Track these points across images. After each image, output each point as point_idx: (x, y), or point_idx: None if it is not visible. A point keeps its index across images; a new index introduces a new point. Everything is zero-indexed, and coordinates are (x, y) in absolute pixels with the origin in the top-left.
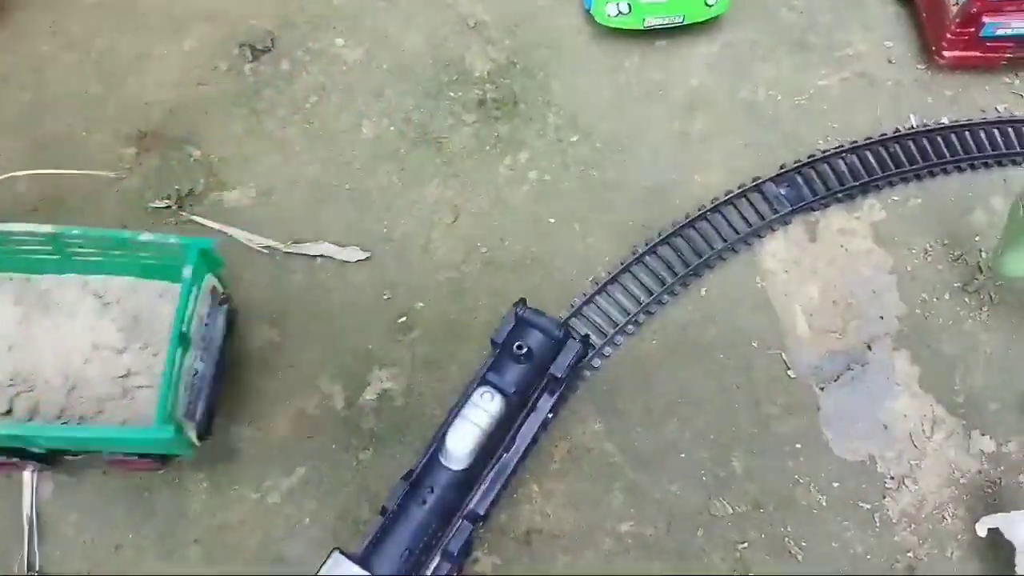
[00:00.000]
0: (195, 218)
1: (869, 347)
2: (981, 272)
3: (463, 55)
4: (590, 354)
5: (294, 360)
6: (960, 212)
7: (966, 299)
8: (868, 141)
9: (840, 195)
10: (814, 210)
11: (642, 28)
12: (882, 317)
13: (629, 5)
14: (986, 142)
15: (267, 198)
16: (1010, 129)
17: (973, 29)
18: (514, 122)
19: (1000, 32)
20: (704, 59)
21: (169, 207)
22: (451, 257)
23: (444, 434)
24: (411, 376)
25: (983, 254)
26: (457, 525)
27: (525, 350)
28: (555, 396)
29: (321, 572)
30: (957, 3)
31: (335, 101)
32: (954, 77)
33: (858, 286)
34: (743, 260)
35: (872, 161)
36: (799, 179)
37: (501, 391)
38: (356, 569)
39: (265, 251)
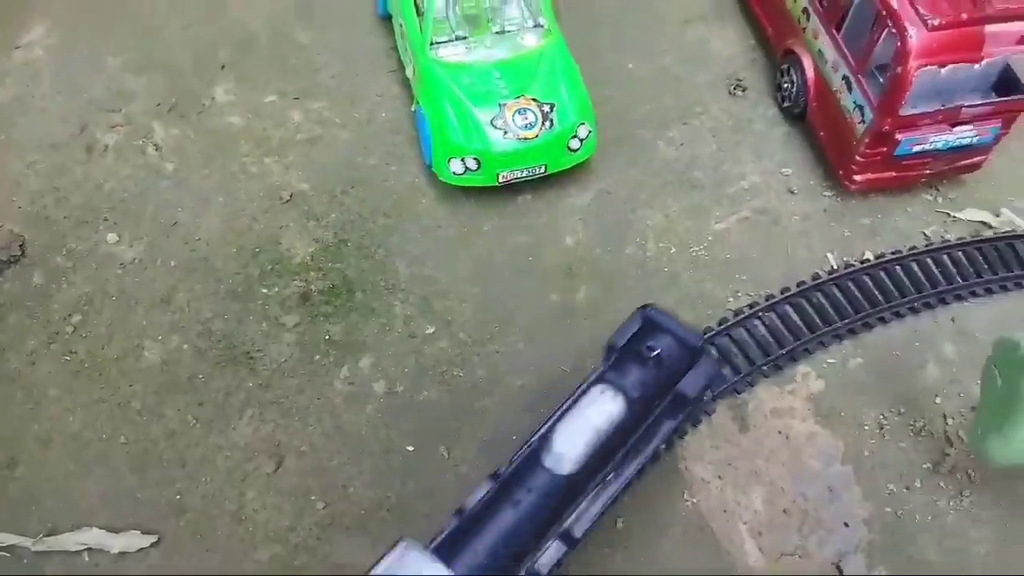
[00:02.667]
0: None
1: (839, 569)
2: (951, 444)
3: (278, 238)
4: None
5: None
6: (910, 369)
7: (941, 483)
8: (786, 294)
9: (765, 366)
10: (738, 391)
11: (497, 184)
12: (847, 524)
13: (477, 160)
14: (922, 276)
15: (9, 472)
16: (945, 257)
17: (886, 149)
18: (350, 318)
19: (917, 149)
20: (578, 213)
21: None
22: (276, 523)
23: (551, 429)
24: None
25: (949, 421)
26: (549, 544)
27: (656, 352)
28: (678, 421)
29: (385, 566)
30: (863, 122)
31: (106, 319)
32: (869, 202)
33: (810, 485)
34: (663, 472)
35: (795, 318)
36: (714, 352)
37: (624, 392)
38: (438, 567)
39: (6, 554)
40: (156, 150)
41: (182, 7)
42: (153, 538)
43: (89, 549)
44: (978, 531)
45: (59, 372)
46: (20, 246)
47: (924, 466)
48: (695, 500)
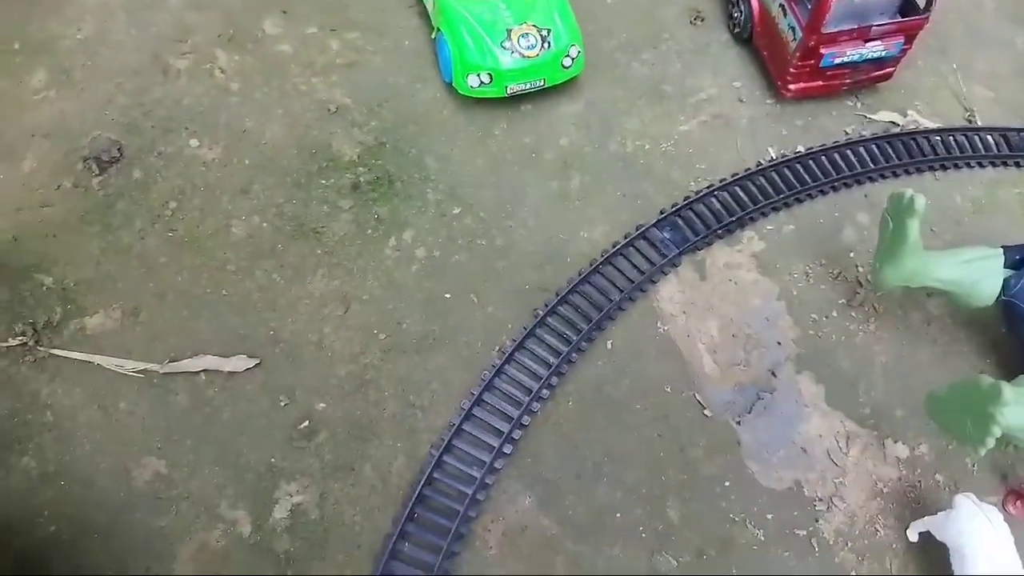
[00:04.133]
0: (55, 351)
1: (774, 374)
2: (861, 286)
3: (329, 141)
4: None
5: (188, 491)
6: (831, 232)
7: (853, 314)
8: (735, 177)
9: (720, 231)
10: (699, 249)
11: (505, 95)
12: (780, 343)
13: (490, 75)
14: (842, 163)
15: (135, 318)
16: (861, 148)
17: (813, 61)
18: (393, 202)
19: (838, 61)
20: (570, 119)
21: (25, 343)
22: (348, 350)
23: None
24: (323, 484)
25: (859, 269)
26: None
27: None
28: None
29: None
30: (795, 40)
31: (197, 204)
32: (802, 107)
33: (752, 316)
34: (642, 308)
35: (743, 195)
36: (680, 222)
37: None
38: None
39: (140, 375)
40: (222, 72)
41: None
42: (256, 360)
43: (206, 371)
44: (880, 347)
45: (165, 244)
46: (119, 149)
47: (840, 302)
48: (666, 328)
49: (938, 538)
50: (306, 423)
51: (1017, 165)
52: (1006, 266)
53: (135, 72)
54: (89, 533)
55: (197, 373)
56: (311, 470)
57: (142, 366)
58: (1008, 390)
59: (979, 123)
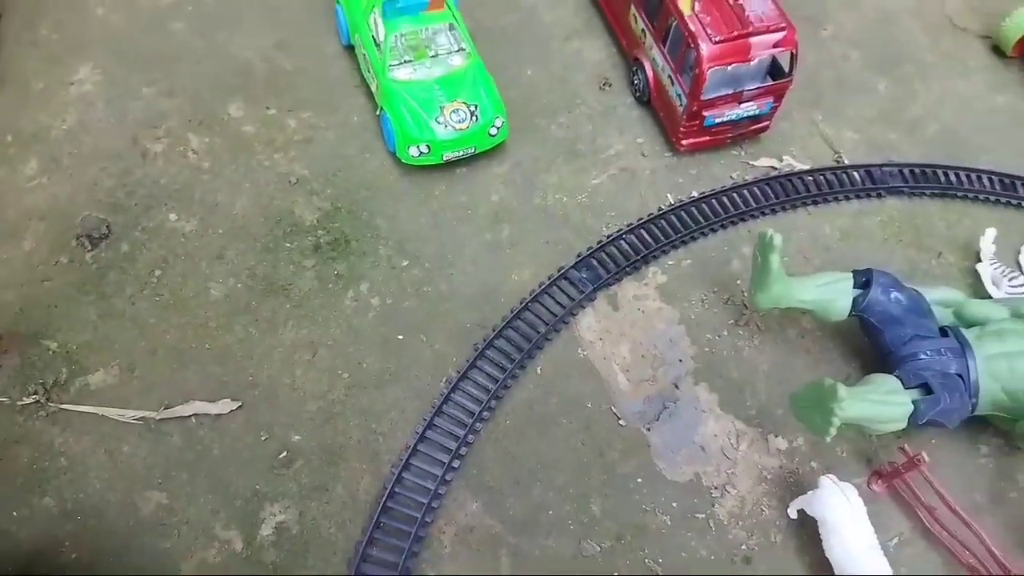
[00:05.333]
0: (64, 406)
1: (676, 386)
2: (747, 308)
3: (292, 209)
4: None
5: (187, 516)
6: (721, 264)
7: (740, 332)
8: (640, 221)
9: (628, 268)
10: (611, 285)
11: (442, 162)
12: (681, 360)
13: (428, 146)
14: (730, 204)
15: (131, 373)
16: (745, 191)
17: (698, 122)
18: (350, 259)
19: (719, 120)
20: (499, 178)
21: (38, 401)
22: (317, 388)
23: None
24: (301, 504)
25: (745, 294)
26: None
27: None
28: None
29: None
30: (682, 105)
31: (179, 271)
32: (695, 159)
33: (657, 339)
34: (565, 337)
35: (647, 236)
36: (594, 262)
37: None
38: None
39: (139, 422)
40: (194, 153)
41: (192, 48)
42: (239, 403)
43: (195, 414)
44: (763, 358)
45: (153, 307)
46: (107, 226)
47: (729, 322)
48: (586, 353)
49: (809, 513)
50: (284, 453)
51: (879, 196)
52: (855, 287)
53: (117, 156)
54: (106, 558)
55: (188, 417)
56: (290, 492)
57: (140, 414)
58: (843, 389)
59: (846, 162)
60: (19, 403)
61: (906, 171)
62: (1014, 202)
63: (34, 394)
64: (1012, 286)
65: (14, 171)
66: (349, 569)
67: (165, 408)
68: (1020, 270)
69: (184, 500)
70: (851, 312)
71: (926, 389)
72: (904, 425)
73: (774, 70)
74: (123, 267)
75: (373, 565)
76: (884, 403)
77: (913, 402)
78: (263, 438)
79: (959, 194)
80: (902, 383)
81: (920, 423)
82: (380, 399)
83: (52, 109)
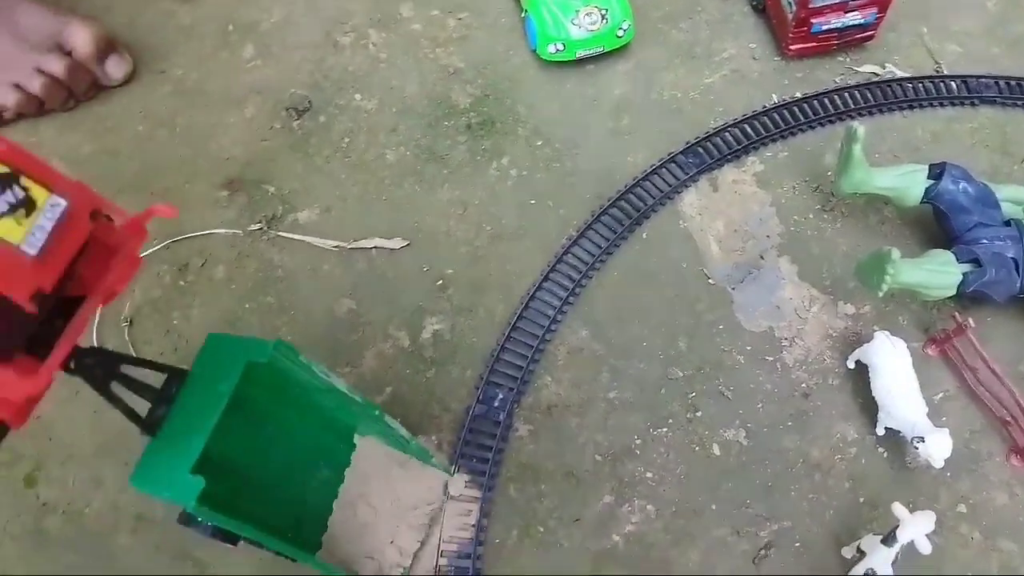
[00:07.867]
0: (281, 234)
1: (762, 257)
2: (833, 197)
3: (449, 94)
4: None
5: (369, 319)
6: (816, 158)
7: (825, 215)
8: (745, 116)
9: (730, 157)
10: (713, 170)
11: (575, 59)
12: (768, 236)
13: (564, 44)
14: (830, 105)
15: (328, 214)
16: (846, 94)
17: (806, 28)
18: (494, 138)
19: (825, 27)
20: (622, 75)
21: (261, 228)
22: (466, 236)
23: None
24: (453, 319)
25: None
26: None
27: None
28: None
29: None
30: (791, 12)
31: (363, 139)
32: (802, 63)
33: (750, 218)
34: (669, 211)
35: (749, 130)
36: (700, 150)
37: None
38: None
39: (335, 249)
40: (374, 46)
41: None
42: (408, 241)
43: (376, 247)
44: (842, 239)
45: (343, 166)
46: (309, 102)
47: (816, 207)
48: (685, 224)
49: (864, 362)
50: (440, 281)
51: (972, 104)
52: (929, 177)
53: (314, 46)
54: (312, 344)
55: (370, 248)
56: (445, 310)
57: (335, 243)
58: (897, 252)
59: (945, 72)
60: (248, 229)
61: (1002, 82)
62: None
63: (258, 223)
64: None
65: (235, 54)
66: (484, 369)
67: (354, 241)
68: None
69: (367, 307)
70: (923, 199)
71: (977, 264)
72: (953, 292)
73: None
74: (321, 134)
75: (505, 363)
76: (935, 272)
77: (963, 274)
78: (425, 269)
79: None
80: (956, 259)
81: (968, 291)
82: (515, 248)
83: (263, 4)
